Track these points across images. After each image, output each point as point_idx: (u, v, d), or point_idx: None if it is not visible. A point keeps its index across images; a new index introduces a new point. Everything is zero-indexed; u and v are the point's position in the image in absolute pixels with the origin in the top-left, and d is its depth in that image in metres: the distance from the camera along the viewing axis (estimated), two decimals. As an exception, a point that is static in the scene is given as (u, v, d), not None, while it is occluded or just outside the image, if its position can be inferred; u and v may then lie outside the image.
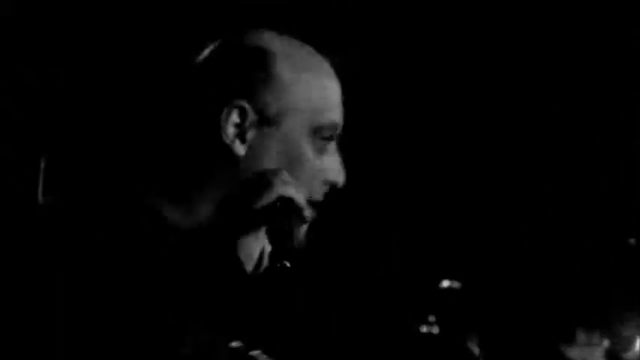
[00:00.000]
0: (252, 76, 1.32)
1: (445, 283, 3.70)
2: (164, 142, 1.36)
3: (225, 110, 1.32)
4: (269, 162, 1.33)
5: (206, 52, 1.39)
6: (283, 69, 1.34)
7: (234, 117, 1.32)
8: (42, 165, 3.28)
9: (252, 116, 1.32)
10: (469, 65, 4.00)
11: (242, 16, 3.69)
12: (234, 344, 1.39)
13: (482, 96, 4.06)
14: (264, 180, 1.32)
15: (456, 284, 3.71)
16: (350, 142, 1.42)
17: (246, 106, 1.32)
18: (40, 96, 3.66)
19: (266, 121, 1.33)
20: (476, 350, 3.66)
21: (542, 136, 4.08)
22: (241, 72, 1.32)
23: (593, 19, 3.84)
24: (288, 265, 1.41)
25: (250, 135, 1.33)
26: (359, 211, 3.85)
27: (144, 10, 3.67)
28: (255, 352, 1.47)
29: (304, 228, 1.44)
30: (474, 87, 4.06)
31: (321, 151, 1.37)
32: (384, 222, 4.00)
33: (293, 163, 1.35)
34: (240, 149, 1.33)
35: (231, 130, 1.32)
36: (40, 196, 3.27)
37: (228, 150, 1.33)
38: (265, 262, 1.42)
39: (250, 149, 1.33)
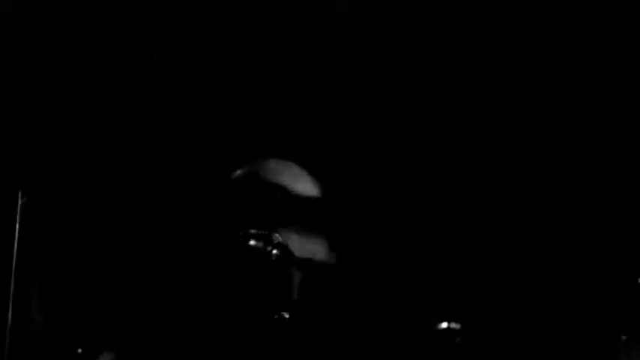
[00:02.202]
0: None
1: (444, 325, 3.68)
2: None
3: None
4: None
5: None
6: None
7: None
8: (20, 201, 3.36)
9: None
10: (471, 75, 4.03)
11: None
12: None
13: (484, 105, 4.10)
14: None
15: (455, 325, 3.69)
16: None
17: None
18: (40, 96, 3.75)
19: None
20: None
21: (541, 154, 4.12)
22: None
23: (594, 19, 3.89)
24: (286, 316, 1.55)
25: None
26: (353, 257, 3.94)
27: (144, 11, 3.73)
28: None
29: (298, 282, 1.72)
30: (475, 96, 4.08)
31: None
32: (381, 259, 4.02)
33: None
34: None
35: None
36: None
37: None
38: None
39: None
